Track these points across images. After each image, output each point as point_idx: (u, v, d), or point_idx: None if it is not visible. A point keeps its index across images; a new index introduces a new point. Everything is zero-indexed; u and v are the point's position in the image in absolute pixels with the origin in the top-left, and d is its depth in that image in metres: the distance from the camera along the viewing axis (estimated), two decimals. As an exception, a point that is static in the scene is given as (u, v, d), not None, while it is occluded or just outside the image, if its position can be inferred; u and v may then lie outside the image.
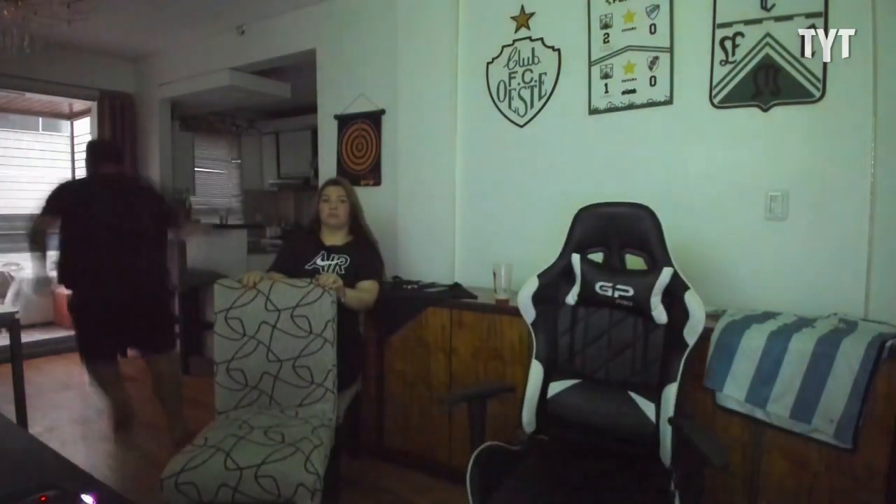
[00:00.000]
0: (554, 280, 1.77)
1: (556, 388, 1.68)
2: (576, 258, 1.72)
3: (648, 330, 1.63)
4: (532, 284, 1.77)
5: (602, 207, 1.75)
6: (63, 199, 2.52)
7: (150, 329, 2.69)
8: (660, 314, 1.60)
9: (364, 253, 2.35)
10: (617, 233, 1.72)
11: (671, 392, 1.52)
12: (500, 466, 1.55)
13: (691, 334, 1.53)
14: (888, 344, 1.52)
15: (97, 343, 2.61)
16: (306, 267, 2.29)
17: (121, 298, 2.53)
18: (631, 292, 1.62)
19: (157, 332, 2.74)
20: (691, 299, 1.54)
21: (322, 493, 1.62)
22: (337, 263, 2.29)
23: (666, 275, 1.57)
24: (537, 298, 1.76)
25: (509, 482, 1.50)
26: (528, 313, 1.78)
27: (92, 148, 2.80)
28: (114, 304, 2.52)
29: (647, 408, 1.54)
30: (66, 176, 2.55)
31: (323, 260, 2.31)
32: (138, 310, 2.60)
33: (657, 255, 1.63)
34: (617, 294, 1.64)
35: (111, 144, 2.77)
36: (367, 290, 2.25)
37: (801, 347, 1.60)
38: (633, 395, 1.57)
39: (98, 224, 2.50)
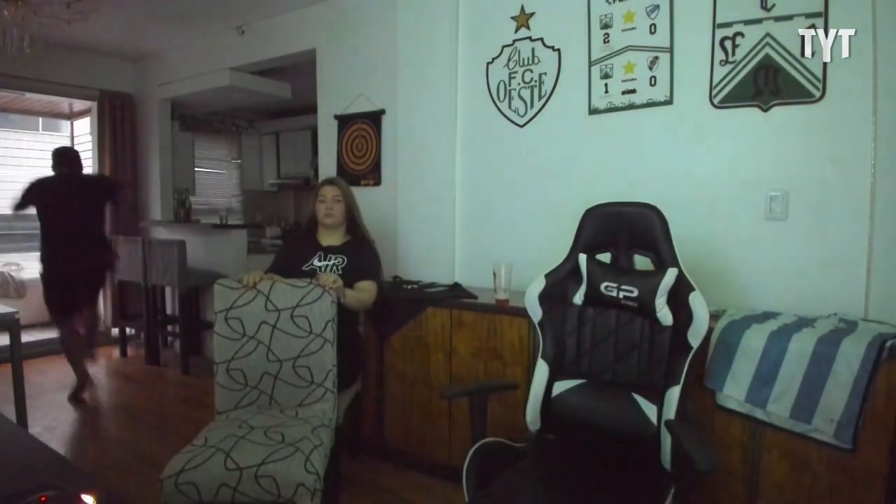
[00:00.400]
0: (561, 280, 1.76)
1: (560, 387, 1.68)
2: (582, 258, 1.71)
3: (655, 332, 1.62)
4: (539, 284, 1.76)
5: (609, 207, 1.74)
6: (35, 192, 3.33)
7: (94, 287, 3.67)
8: (665, 316, 1.58)
9: (362, 253, 2.35)
10: (624, 233, 1.71)
11: (674, 395, 1.51)
12: (500, 461, 1.55)
13: (695, 337, 1.51)
14: (888, 344, 1.51)
15: (61, 300, 3.44)
16: (304, 268, 2.29)
17: (77, 264, 3.40)
18: (635, 293, 1.61)
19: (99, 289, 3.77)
20: (696, 301, 1.51)
21: (322, 492, 1.62)
22: (334, 264, 2.29)
23: (670, 276, 1.56)
24: (544, 298, 1.76)
25: (507, 476, 1.50)
26: (535, 313, 1.77)
27: (56, 153, 3.52)
28: (72, 268, 3.39)
29: (650, 410, 1.53)
30: (37, 174, 3.55)
31: (320, 261, 2.31)
32: (88, 273, 3.52)
33: (664, 255, 1.61)
34: (622, 295, 1.63)
35: (71, 151, 3.65)
36: (365, 291, 2.24)
37: (801, 347, 1.60)
38: (636, 396, 1.57)
39: (63, 213, 3.35)
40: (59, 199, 3.34)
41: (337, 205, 2.34)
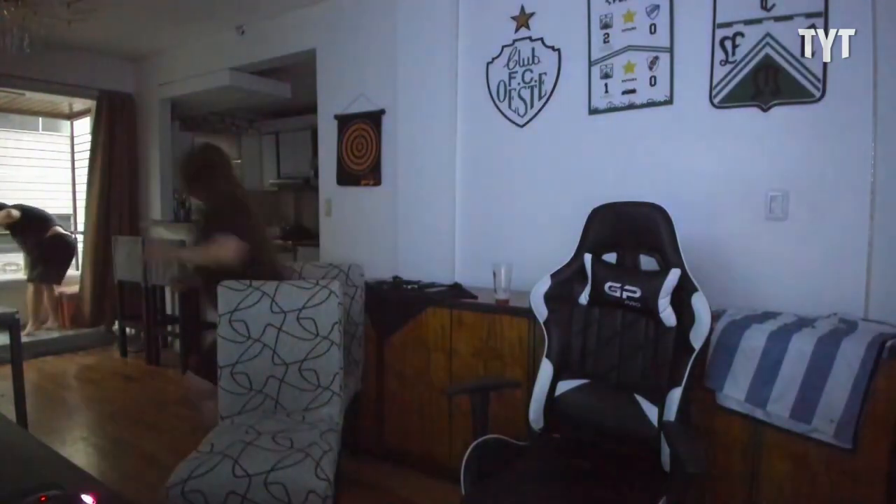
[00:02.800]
0: (567, 279, 1.76)
1: (564, 386, 1.68)
2: (587, 258, 1.71)
3: (659, 333, 1.61)
4: (545, 283, 1.76)
5: (614, 207, 1.73)
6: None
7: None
8: (668, 316, 1.57)
9: (210, 211, 2.22)
10: (630, 233, 1.70)
11: (675, 396, 1.50)
12: (501, 458, 1.56)
13: (697, 338, 1.50)
14: (888, 344, 1.51)
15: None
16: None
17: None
18: (638, 293, 1.60)
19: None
20: (698, 302, 1.51)
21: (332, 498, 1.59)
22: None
23: (673, 276, 1.55)
24: (550, 297, 1.75)
25: (506, 473, 1.51)
26: (541, 312, 1.76)
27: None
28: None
29: (651, 411, 1.53)
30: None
31: None
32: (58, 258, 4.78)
33: (669, 255, 1.61)
34: (625, 295, 1.63)
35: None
36: (213, 245, 2.07)
37: (801, 347, 1.60)
38: (638, 397, 1.56)
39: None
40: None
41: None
